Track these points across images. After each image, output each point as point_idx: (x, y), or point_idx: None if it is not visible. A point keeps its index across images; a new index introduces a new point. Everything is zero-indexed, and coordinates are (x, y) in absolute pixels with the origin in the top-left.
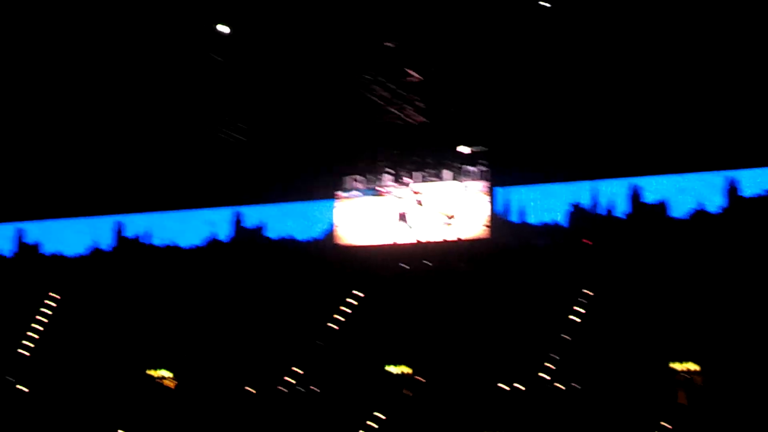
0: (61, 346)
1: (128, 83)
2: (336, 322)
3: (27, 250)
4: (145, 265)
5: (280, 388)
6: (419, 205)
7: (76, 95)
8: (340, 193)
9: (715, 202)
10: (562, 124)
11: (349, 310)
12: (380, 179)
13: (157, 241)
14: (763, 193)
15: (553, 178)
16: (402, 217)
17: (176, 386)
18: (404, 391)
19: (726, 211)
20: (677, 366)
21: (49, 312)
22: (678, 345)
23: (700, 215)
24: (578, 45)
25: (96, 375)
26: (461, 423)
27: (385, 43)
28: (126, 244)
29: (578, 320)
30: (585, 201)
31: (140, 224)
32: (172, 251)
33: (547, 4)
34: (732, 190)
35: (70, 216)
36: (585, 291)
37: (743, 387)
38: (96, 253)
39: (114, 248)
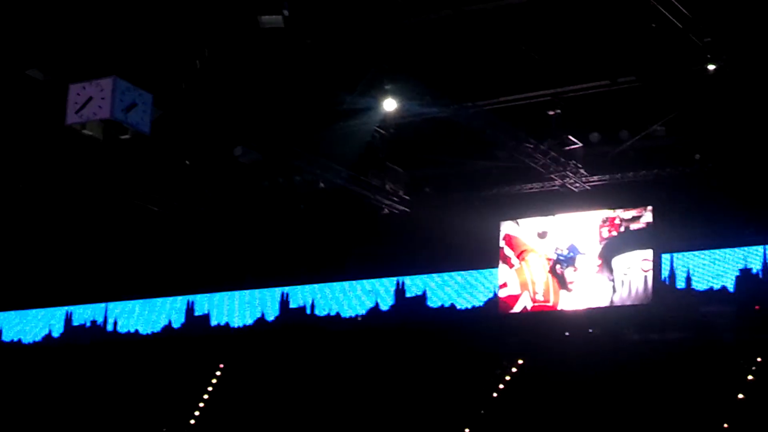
0: (227, 417)
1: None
2: (499, 390)
3: (196, 322)
4: (308, 335)
5: None
6: (582, 269)
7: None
8: (501, 260)
9: None
10: (729, 185)
11: (509, 378)
12: (542, 243)
13: (320, 312)
14: None
15: (722, 243)
16: (563, 281)
17: None
18: None
19: None
20: None
21: (217, 382)
22: None
23: None
24: (741, 106)
25: None
26: None
27: (548, 112)
28: (290, 315)
29: (748, 388)
30: (755, 265)
31: (304, 295)
32: (334, 321)
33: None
34: None
35: (237, 288)
36: (757, 359)
37: None
38: (261, 323)
39: (277, 318)
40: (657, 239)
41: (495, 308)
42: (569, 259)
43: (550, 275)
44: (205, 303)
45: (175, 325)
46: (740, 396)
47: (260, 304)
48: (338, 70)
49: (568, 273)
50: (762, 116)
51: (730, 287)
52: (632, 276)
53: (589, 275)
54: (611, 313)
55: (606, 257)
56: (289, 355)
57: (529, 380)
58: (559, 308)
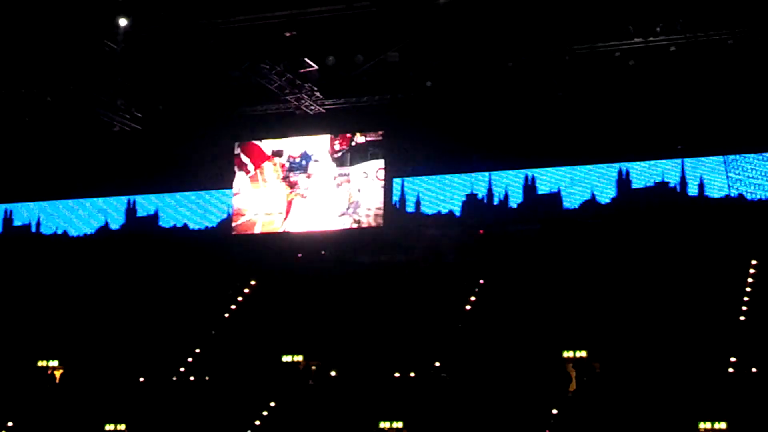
0: None
1: None
2: (230, 311)
3: None
4: (31, 253)
5: (174, 378)
6: (315, 193)
7: None
8: (235, 181)
9: (608, 193)
10: (458, 113)
11: (241, 299)
12: (274, 165)
13: (46, 230)
14: (652, 184)
15: (450, 169)
16: (297, 204)
17: (64, 377)
18: (309, 382)
19: (616, 202)
20: (568, 354)
21: None
22: (568, 334)
23: (591, 205)
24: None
25: None
26: (365, 411)
27: (285, 33)
28: (12, 231)
29: (471, 308)
30: (480, 191)
31: (29, 212)
32: (62, 239)
33: None
34: (623, 181)
35: None
36: (479, 280)
37: (633, 377)
38: None
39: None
40: (388, 163)
41: (229, 229)
42: (302, 168)
43: (284, 183)
44: None
45: None
46: (467, 307)
47: None
48: None
49: (302, 183)
50: (489, 48)
51: (457, 211)
52: (363, 198)
53: (321, 195)
54: (342, 236)
55: (338, 178)
56: (11, 271)
57: (260, 300)
58: (291, 227)
